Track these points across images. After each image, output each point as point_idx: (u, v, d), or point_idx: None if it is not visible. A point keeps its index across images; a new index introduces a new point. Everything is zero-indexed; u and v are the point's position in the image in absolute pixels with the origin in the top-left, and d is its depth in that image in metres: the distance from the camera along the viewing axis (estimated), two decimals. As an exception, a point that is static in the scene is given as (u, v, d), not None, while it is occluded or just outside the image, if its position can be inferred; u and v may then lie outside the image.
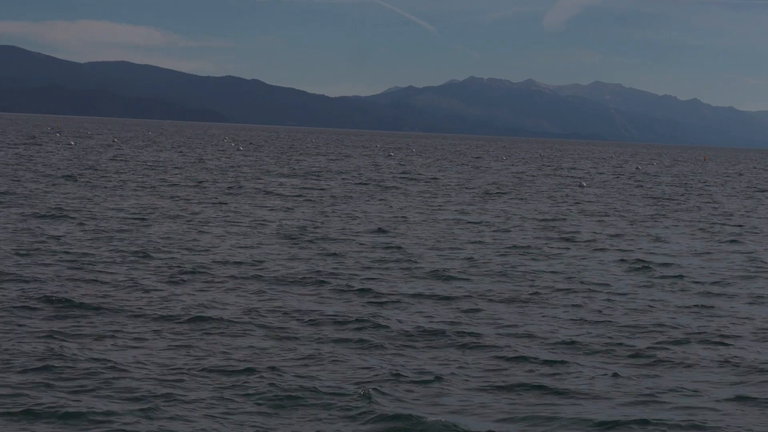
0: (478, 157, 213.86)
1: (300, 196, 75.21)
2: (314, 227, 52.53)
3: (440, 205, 71.58)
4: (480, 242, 49.04)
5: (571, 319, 29.65)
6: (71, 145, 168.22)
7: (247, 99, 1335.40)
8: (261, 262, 38.84)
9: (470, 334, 26.75)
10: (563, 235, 53.64)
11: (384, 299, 31.68)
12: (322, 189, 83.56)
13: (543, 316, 30.06)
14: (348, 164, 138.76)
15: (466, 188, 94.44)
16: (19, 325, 25.83)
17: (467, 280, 36.60)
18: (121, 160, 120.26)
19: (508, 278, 37.30)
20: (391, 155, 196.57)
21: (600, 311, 31.07)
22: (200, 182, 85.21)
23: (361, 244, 46.20)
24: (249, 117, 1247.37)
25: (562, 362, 24.00)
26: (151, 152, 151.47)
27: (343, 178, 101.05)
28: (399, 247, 45.06)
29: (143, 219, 53.03)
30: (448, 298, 32.41)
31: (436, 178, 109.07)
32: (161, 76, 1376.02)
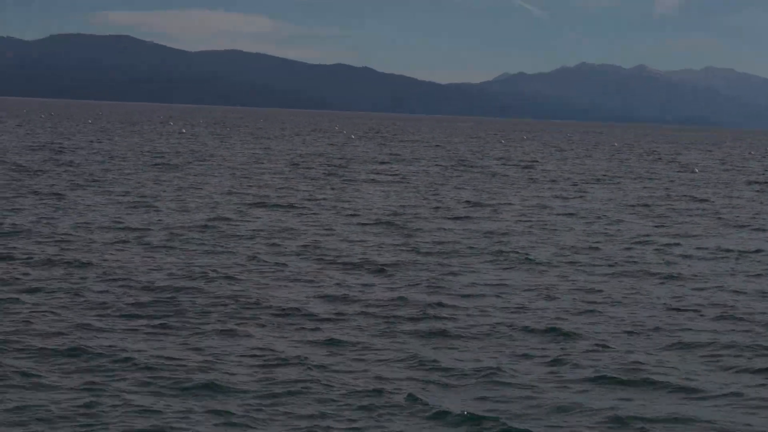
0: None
1: (400, 181, 74.99)
2: (412, 214, 52.22)
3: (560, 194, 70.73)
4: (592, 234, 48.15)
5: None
6: (183, 132, 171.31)
7: (358, 86, 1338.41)
8: (343, 248, 38.61)
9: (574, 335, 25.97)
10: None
11: (469, 291, 31.13)
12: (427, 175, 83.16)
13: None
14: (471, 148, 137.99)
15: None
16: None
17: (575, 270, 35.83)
18: (227, 148, 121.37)
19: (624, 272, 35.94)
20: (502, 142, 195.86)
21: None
22: (303, 168, 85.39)
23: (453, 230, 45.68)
24: (359, 104, 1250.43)
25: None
26: (255, 142, 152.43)
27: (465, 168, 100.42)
28: (490, 233, 44.65)
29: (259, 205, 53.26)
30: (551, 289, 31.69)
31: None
32: (271, 64, 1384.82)
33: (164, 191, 60.28)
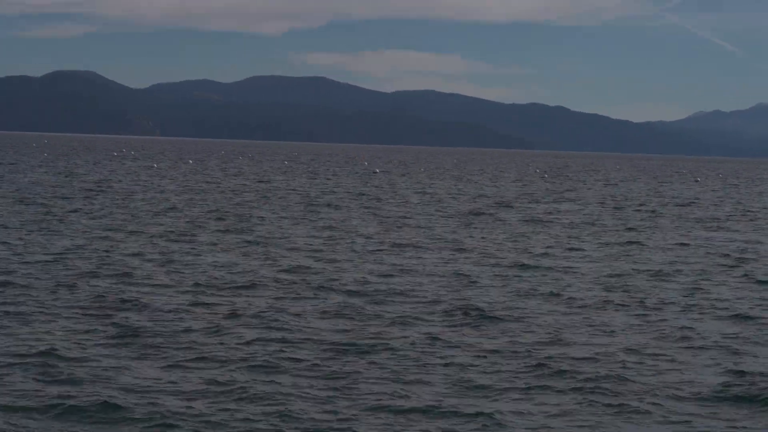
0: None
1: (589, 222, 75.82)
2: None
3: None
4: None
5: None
6: (376, 172, 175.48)
7: (552, 125, 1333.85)
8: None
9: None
10: None
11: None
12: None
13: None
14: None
15: None
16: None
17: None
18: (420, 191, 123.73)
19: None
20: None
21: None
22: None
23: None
24: (553, 143, 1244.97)
25: None
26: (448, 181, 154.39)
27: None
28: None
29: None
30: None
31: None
32: (467, 103, 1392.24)
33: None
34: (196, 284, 37.31)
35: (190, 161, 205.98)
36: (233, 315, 31.34)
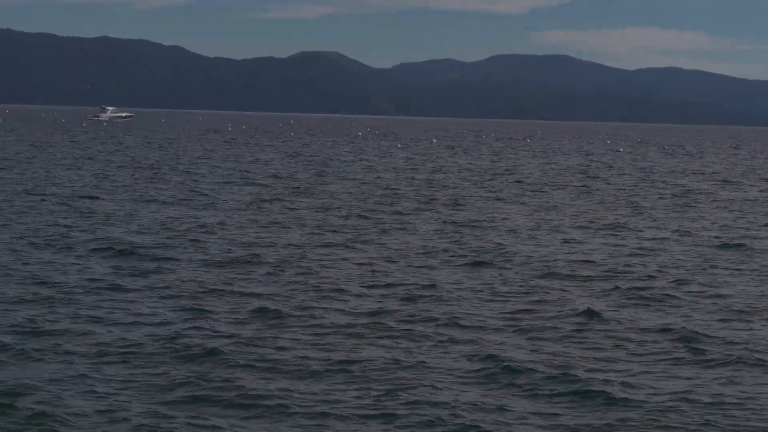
0: None
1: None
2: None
3: None
4: None
5: None
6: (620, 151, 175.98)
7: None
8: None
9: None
10: None
11: None
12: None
13: None
14: None
15: None
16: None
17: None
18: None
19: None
20: None
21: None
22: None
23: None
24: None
25: None
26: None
27: None
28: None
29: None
30: None
31: None
32: (712, 81, 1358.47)
33: None
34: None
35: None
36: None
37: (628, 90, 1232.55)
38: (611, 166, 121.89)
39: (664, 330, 27.99)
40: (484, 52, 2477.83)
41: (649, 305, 31.78)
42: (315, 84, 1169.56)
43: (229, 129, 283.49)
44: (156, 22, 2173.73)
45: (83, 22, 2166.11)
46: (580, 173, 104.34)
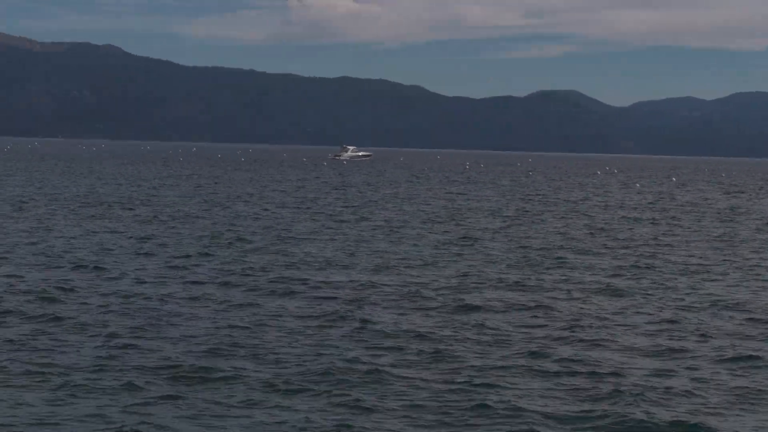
0: None
1: None
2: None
3: None
4: None
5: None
6: None
7: None
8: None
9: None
10: None
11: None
12: None
13: None
14: None
15: None
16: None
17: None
18: None
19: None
20: None
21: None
22: None
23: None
24: None
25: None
26: None
27: None
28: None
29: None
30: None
31: None
32: None
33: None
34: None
35: None
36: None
37: None
38: None
39: None
40: (724, 90, 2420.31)
41: None
42: (553, 122, 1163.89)
43: (467, 167, 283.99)
44: (393, 61, 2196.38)
45: (324, 62, 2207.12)
46: None
